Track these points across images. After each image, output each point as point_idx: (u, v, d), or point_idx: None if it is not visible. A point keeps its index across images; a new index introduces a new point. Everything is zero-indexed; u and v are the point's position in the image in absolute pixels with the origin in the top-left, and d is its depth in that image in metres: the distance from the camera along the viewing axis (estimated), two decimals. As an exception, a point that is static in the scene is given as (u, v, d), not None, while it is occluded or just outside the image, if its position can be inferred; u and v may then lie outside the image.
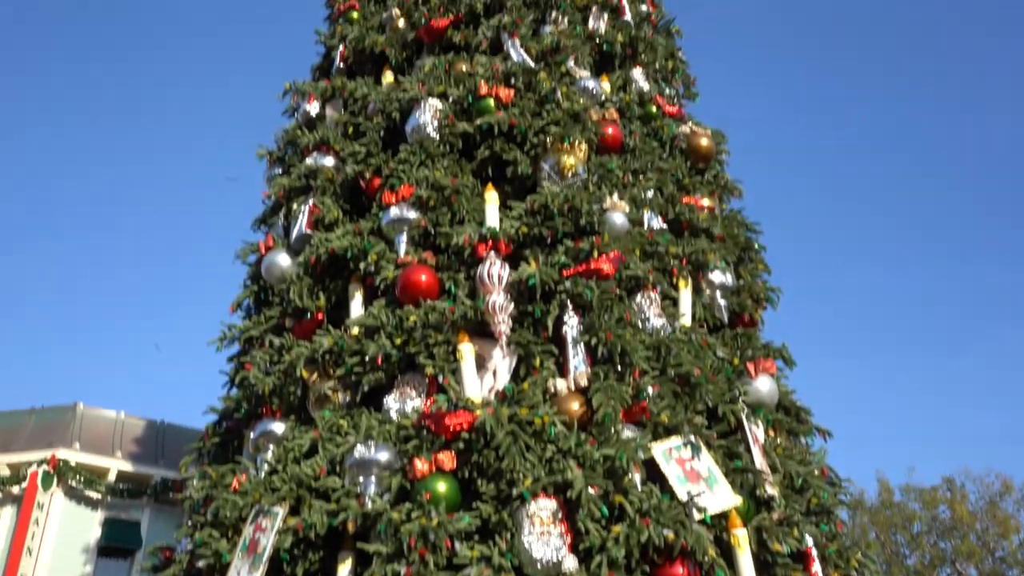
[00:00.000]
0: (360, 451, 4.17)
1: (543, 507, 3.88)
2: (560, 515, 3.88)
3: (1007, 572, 18.30)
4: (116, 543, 13.93)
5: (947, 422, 33.75)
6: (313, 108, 6.68)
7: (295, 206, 5.97)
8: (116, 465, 14.23)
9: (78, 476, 13.93)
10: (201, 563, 4.36)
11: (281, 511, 4.14)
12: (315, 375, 4.84)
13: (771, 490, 4.37)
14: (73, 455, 13.97)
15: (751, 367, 4.93)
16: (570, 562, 3.80)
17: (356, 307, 5.15)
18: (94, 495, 14.04)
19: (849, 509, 4.94)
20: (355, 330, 4.88)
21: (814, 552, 4.29)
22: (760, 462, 4.45)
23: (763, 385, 4.90)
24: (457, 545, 3.80)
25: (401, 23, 6.81)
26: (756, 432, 4.61)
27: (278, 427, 4.77)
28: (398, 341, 4.64)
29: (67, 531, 13.75)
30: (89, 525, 13.98)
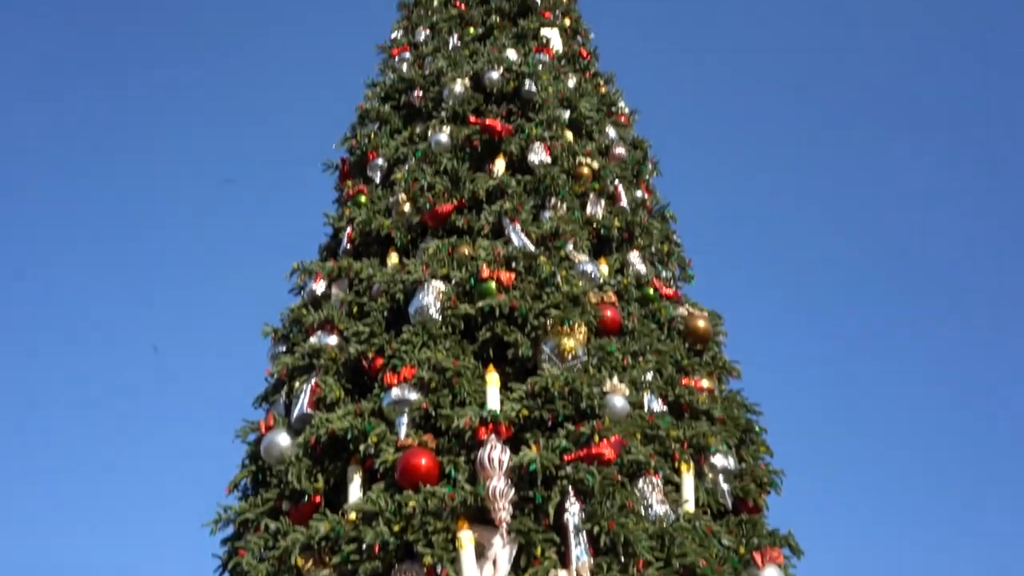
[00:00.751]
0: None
1: None
2: None
3: None
4: None
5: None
6: (319, 287, 6.87)
7: (297, 385, 6.03)
8: None
9: None
10: None
11: None
12: (310, 563, 4.74)
13: None
14: None
15: (758, 557, 4.83)
16: None
17: (355, 490, 5.10)
18: None
19: None
20: (352, 515, 4.81)
21: None
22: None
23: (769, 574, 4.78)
24: None
25: (407, 207, 7.11)
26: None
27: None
28: (396, 528, 4.57)
29: None
30: None
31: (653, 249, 7.02)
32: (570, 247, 6.42)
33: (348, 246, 7.24)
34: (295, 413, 5.78)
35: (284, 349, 6.56)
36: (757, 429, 5.84)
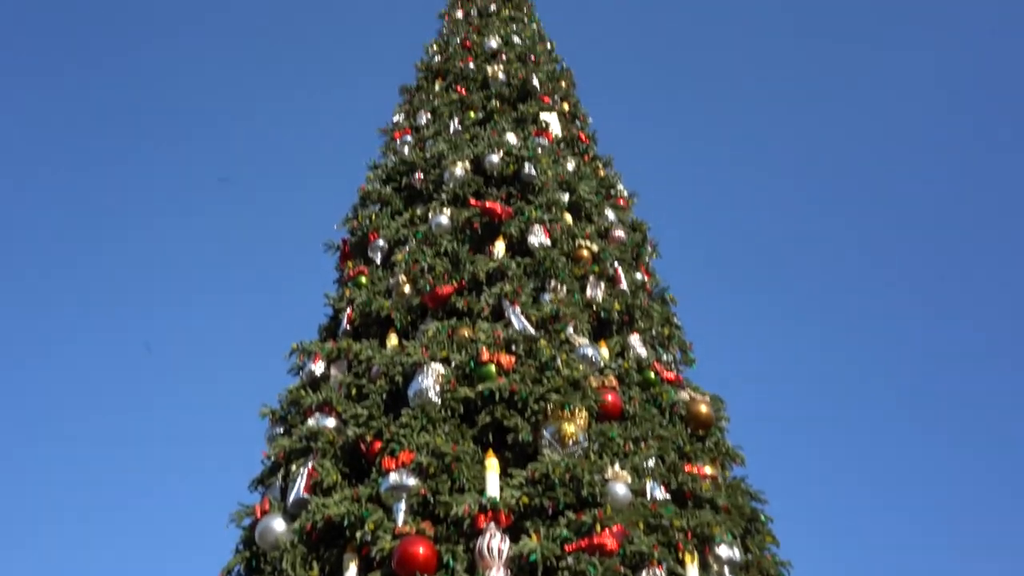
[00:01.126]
0: None
1: None
2: None
3: None
4: None
5: None
6: (318, 368, 6.82)
7: (294, 468, 5.93)
8: None
9: None
10: None
11: None
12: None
13: None
14: None
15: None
16: None
17: (351, 580, 4.97)
18: None
19: None
20: (348, 609, 4.68)
21: None
22: None
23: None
24: None
25: (407, 289, 7.12)
26: None
27: None
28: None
29: None
30: None
31: (654, 332, 7.01)
32: (570, 330, 6.41)
33: (348, 327, 7.23)
34: (291, 497, 5.67)
35: (281, 431, 6.48)
36: (763, 518, 5.73)
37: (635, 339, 6.73)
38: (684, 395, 6.28)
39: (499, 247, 7.28)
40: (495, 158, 8.11)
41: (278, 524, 5.51)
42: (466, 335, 6.29)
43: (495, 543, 4.70)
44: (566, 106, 9.72)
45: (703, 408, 6.16)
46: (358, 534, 5.09)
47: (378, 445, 5.69)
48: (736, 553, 5.25)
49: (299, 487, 5.69)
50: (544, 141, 8.65)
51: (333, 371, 6.79)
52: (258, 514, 5.71)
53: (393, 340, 6.78)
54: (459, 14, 11.61)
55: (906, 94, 31.21)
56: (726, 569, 5.19)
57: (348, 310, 7.32)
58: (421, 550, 4.78)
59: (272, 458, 6.22)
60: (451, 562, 4.76)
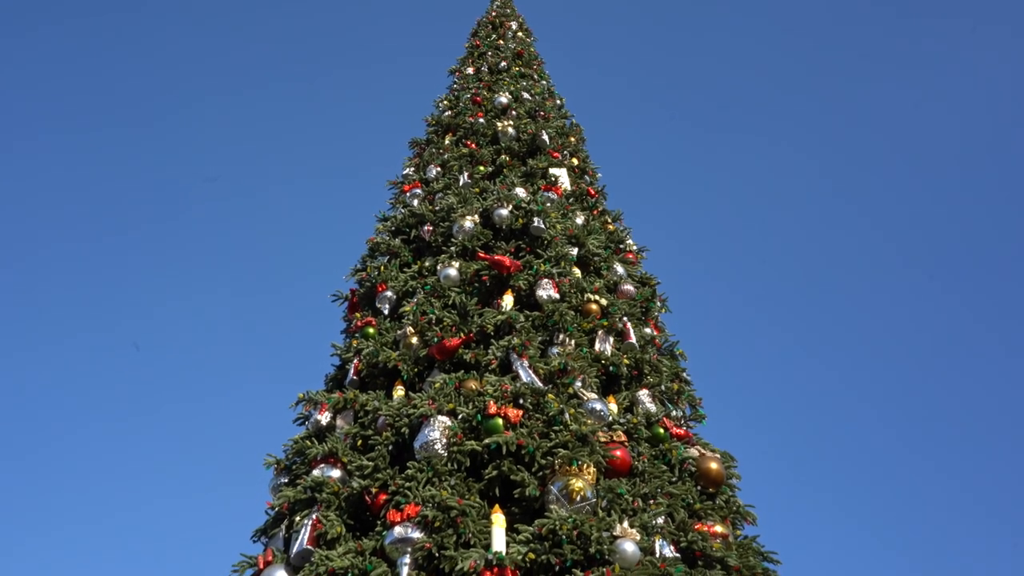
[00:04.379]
0: None
1: None
2: None
3: None
4: None
5: None
6: (324, 418, 6.78)
7: (298, 519, 5.86)
8: None
9: None
10: None
11: None
12: None
13: None
14: None
15: None
16: None
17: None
18: None
19: None
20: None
21: None
22: None
23: None
24: None
25: (415, 340, 7.10)
26: None
27: None
28: None
29: None
30: None
31: (663, 387, 6.96)
32: (578, 384, 6.37)
33: (355, 377, 7.20)
34: (295, 549, 5.59)
35: (286, 481, 6.41)
36: (773, 580, 5.62)
37: (644, 394, 6.68)
38: (694, 451, 6.22)
39: (507, 300, 7.28)
40: (504, 211, 8.16)
41: (280, 576, 5.42)
42: (473, 388, 6.26)
43: (501, 601, 4.61)
44: (575, 161, 9.81)
45: (713, 465, 6.09)
46: (361, 589, 5.00)
47: (383, 497, 5.62)
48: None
49: (303, 539, 5.61)
50: (553, 195, 8.71)
51: (339, 422, 6.75)
52: (261, 565, 5.64)
53: (400, 392, 6.75)
54: (470, 70, 11.80)
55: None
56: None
57: (355, 361, 7.30)
58: (426, 606, 4.69)
59: (276, 509, 6.15)
60: (456, 619, 4.67)
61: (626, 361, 6.85)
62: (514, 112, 10.24)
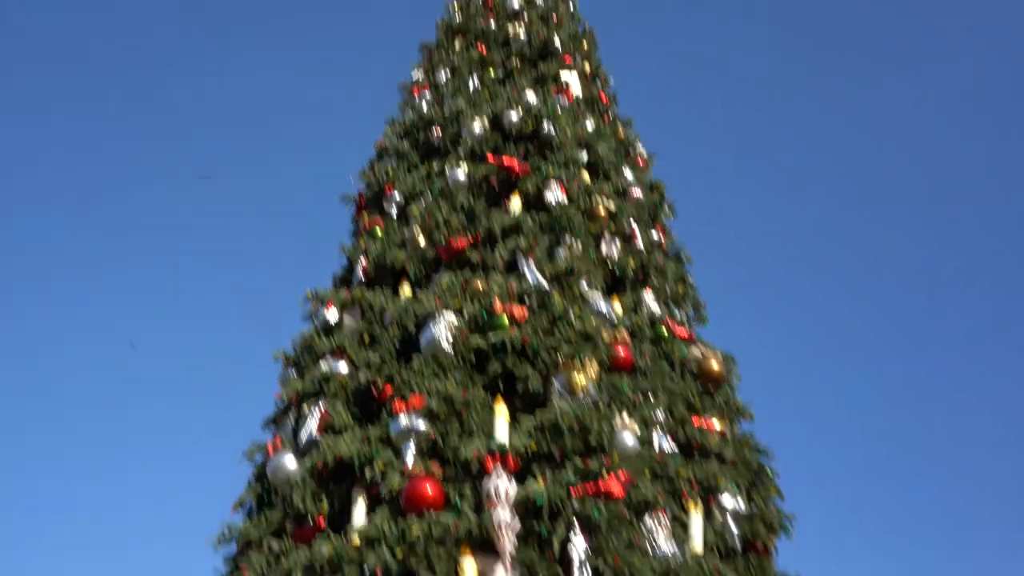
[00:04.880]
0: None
1: None
2: None
3: None
4: None
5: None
6: (332, 315, 6.87)
7: (306, 409, 6.01)
8: None
9: None
10: None
11: None
12: (311, 587, 4.68)
13: None
14: None
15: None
16: None
17: (359, 515, 5.05)
18: None
19: None
20: (356, 539, 4.76)
21: None
22: None
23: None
24: None
25: (422, 241, 7.14)
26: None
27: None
28: (399, 553, 4.52)
29: None
30: None
31: (668, 290, 7.02)
32: (584, 285, 6.42)
33: (362, 277, 7.27)
34: (303, 437, 5.76)
35: (294, 374, 6.56)
36: (769, 472, 5.77)
37: (648, 296, 6.75)
38: (696, 351, 6.31)
39: (515, 203, 7.28)
40: (514, 115, 8.08)
41: (289, 462, 5.60)
42: (479, 287, 6.32)
43: (502, 485, 4.76)
44: (587, 66, 9.65)
45: (714, 364, 6.19)
46: (367, 473, 5.17)
47: (389, 390, 5.74)
48: (740, 504, 5.31)
49: (311, 427, 5.77)
50: (564, 100, 8.61)
51: (346, 319, 6.84)
52: (270, 451, 5.81)
53: (406, 290, 6.83)
54: (482, -26, 11.52)
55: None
56: (729, 519, 5.25)
57: (362, 260, 7.36)
58: (429, 488, 4.85)
59: (285, 399, 6.31)
60: (458, 501, 4.83)
61: (632, 264, 6.89)
62: (526, 16, 10.05)
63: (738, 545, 5.25)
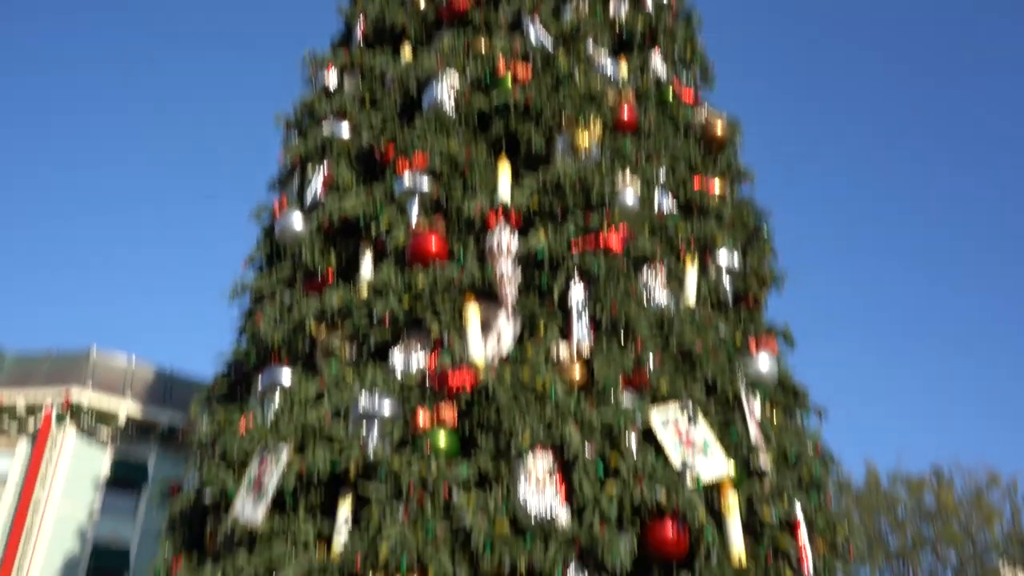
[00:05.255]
0: (364, 401, 4.26)
1: (539, 462, 3.97)
2: (556, 471, 3.97)
3: (988, 558, 18.16)
4: (124, 480, 14.61)
5: (941, 413, 33.66)
6: (331, 78, 6.75)
7: (310, 171, 6.06)
8: (126, 408, 14.86)
9: (90, 416, 14.59)
10: (207, 497, 4.47)
11: (286, 451, 4.24)
12: (323, 330, 4.93)
13: (764, 463, 4.45)
14: (86, 396, 14.61)
15: (752, 344, 5.00)
16: (563, 515, 3.89)
17: (366, 267, 5.23)
18: (104, 435, 14.68)
19: (836, 490, 5.03)
20: (364, 289, 4.96)
21: (802, 521, 4.37)
22: (755, 435, 4.53)
23: (763, 363, 4.97)
24: (455, 493, 3.89)
25: (423, 2, 6.86)
26: (753, 407, 4.69)
27: (285, 375, 4.86)
28: (406, 302, 4.72)
29: (78, 466, 14.50)
30: (99, 463, 14.64)
31: (676, 52, 6.82)
32: (590, 45, 6.25)
33: (360, 40, 7.06)
34: (308, 197, 5.84)
35: (297, 137, 6.54)
36: (765, 231, 5.88)
37: (656, 58, 6.57)
38: (700, 114, 6.24)
39: (520, -41, 6.91)
40: None
41: (296, 220, 5.70)
42: (482, 47, 6.15)
43: (504, 239, 4.87)
44: None
45: (718, 127, 6.15)
46: (373, 229, 5.28)
47: (392, 150, 5.74)
48: (735, 260, 5.46)
49: (316, 188, 5.83)
50: None
51: (347, 82, 6.73)
52: (277, 211, 5.91)
53: (407, 51, 6.64)
54: None
55: None
56: (724, 273, 5.41)
57: (361, 22, 7.12)
58: (434, 242, 4.98)
59: (289, 162, 6.33)
60: (462, 254, 4.97)
61: (640, 25, 6.66)
62: None
63: (730, 298, 5.45)
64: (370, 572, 3.77)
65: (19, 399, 14.68)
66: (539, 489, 3.89)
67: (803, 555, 4.26)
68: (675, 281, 5.14)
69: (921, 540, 18.71)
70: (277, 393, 4.79)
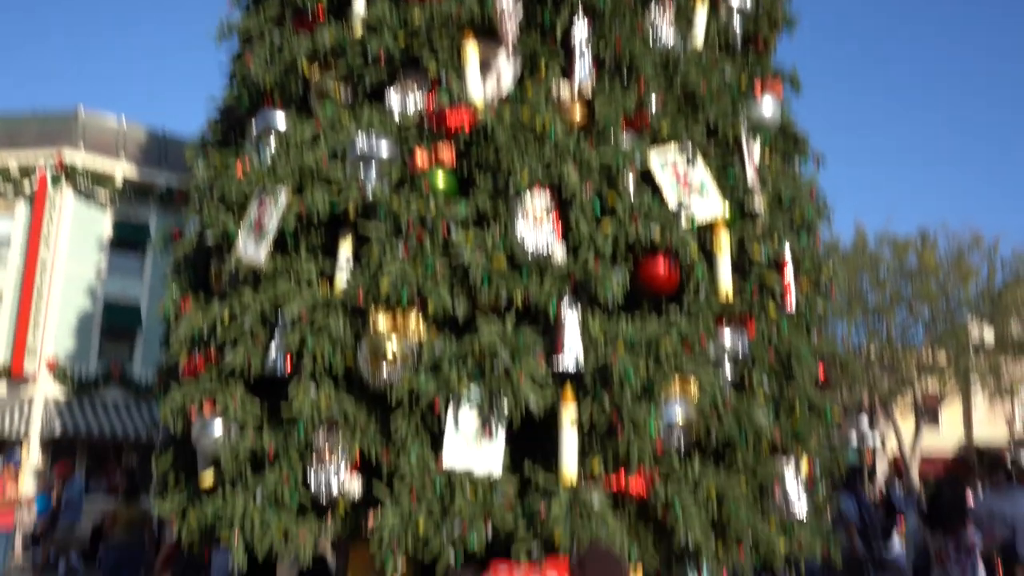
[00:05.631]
0: (361, 143, 4.21)
1: (537, 201, 3.99)
2: (553, 209, 4.00)
3: (959, 313, 18.90)
4: (128, 241, 15.01)
5: (934, 177, 33.83)
6: None
7: None
8: (121, 170, 14.92)
9: (85, 178, 14.68)
10: (209, 239, 4.53)
11: (284, 192, 4.25)
12: (316, 70, 4.78)
13: (758, 204, 4.47)
14: (79, 157, 14.62)
15: (757, 87, 4.87)
16: (559, 251, 3.97)
17: (359, 2, 4.97)
18: (103, 197, 14.87)
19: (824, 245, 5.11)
20: (358, 27, 4.75)
21: (789, 260, 4.48)
22: (752, 178, 4.52)
23: (766, 107, 4.86)
24: (453, 231, 3.94)
25: None
26: (752, 150, 4.65)
27: (280, 118, 4.76)
28: (401, 39, 4.53)
29: (80, 228, 14.86)
30: (100, 224, 14.98)
31: None
32: None
33: None
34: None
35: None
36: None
37: None
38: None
39: None
40: None
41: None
42: None
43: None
44: None
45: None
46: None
47: None
48: (747, 2, 5.18)
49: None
50: None
51: None
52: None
53: None
54: None
55: None
56: (735, 14, 5.14)
57: None
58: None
59: None
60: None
61: None
62: None
63: (739, 40, 5.22)
64: (372, 305, 3.89)
65: (11, 160, 14.58)
66: (536, 226, 3.93)
67: (787, 291, 4.40)
68: (684, 20, 4.90)
69: (898, 298, 19.32)
70: (272, 136, 4.72)
